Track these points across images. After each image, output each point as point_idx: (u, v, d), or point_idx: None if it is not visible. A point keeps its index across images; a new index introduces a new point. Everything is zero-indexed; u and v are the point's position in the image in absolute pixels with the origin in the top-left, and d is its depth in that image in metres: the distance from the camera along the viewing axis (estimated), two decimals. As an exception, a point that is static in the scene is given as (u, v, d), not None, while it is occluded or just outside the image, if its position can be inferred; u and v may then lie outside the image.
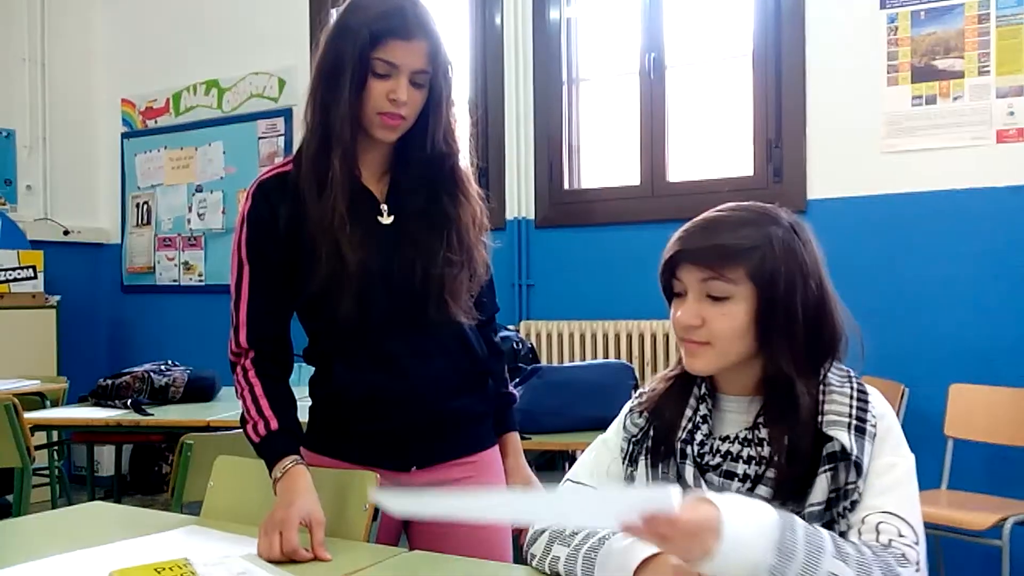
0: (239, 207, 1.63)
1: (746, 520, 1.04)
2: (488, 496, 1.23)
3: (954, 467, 3.19)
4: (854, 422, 1.18)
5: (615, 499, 1.09)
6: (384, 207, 1.62)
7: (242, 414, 1.57)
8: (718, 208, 1.28)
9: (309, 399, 1.70)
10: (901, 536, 1.13)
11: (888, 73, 3.42)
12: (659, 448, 1.30)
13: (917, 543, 1.14)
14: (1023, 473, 3.13)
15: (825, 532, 1.09)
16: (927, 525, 3.29)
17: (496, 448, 1.76)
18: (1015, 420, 3.10)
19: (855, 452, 1.16)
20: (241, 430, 1.57)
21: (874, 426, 1.19)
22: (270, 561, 1.35)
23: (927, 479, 3.20)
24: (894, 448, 1.20)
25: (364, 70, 1.51)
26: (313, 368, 1.69)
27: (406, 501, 1.21)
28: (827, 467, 1.17)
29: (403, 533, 1.71)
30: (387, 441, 1.61)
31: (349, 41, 1.51)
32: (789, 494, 1.17)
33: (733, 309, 1.21)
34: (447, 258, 1.57)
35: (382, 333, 1.59)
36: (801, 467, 1.17)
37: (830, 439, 1.17)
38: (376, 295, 1.56)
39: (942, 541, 3.17)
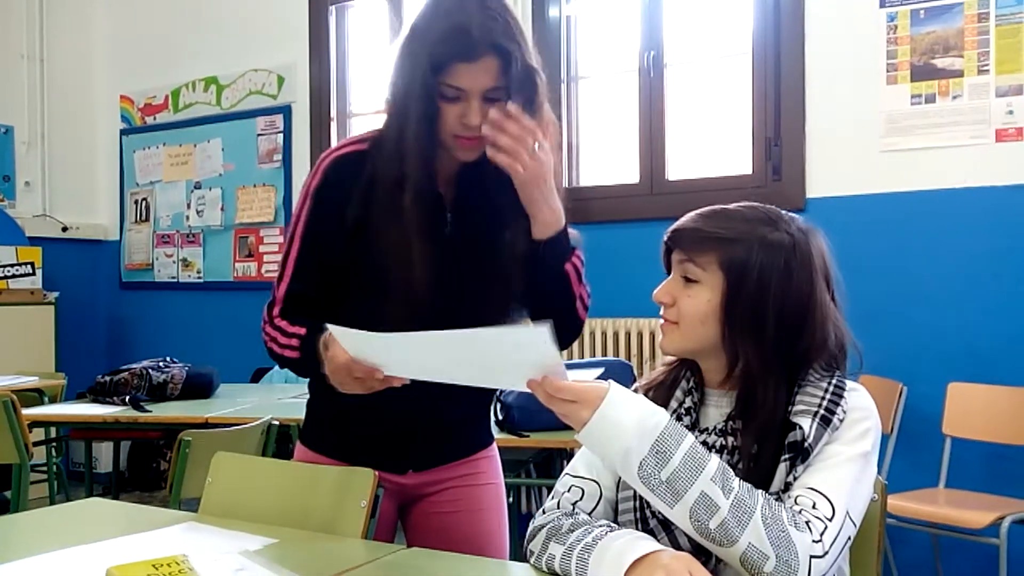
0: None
1: (629, 409, 1.15)
2: (417, 345, 1.26)
3: (952, 466, 3.19)
4: (821, 411, 1.20)
5: (506, 349, 1.21)
6: (449, 215, 1.55)
7: (285, 360, 1.52)
8: (736, 204, 1.31)
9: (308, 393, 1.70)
10: (814, 508, 1.15)
11: (887, 72, 3.42)
12: None
13: (831, 519, 1.14)
14: (1021, 472, 3.13)
15: (718, 461, 1.14)
16: (925, 523, 3.27)
17: (494, 445, 1.75)
18: (1013, 419, 3.10)
19: (811, 440, 1.18)
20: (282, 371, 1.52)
21: (841, 419, 1.21)
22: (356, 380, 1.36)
23: (925, 477, 3.20)
24: (851, 440, 1.21)
25: (431, 97, 1.42)
26: None
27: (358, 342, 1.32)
28: (787, 456, 1.19)
29: (400, 530, 1.71)
30: (385, 444, 1.61)
31: (411, 70, 1.43)
32: (757, 485, 1.18)
33: (700, 292, 1.26)
34: (491, 292, 1.51)
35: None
36: (767, 459, 1.20)
37: (794, 428, 1.19)
38: (419, 310, 1.46)
39: (940, 540, 3.18)
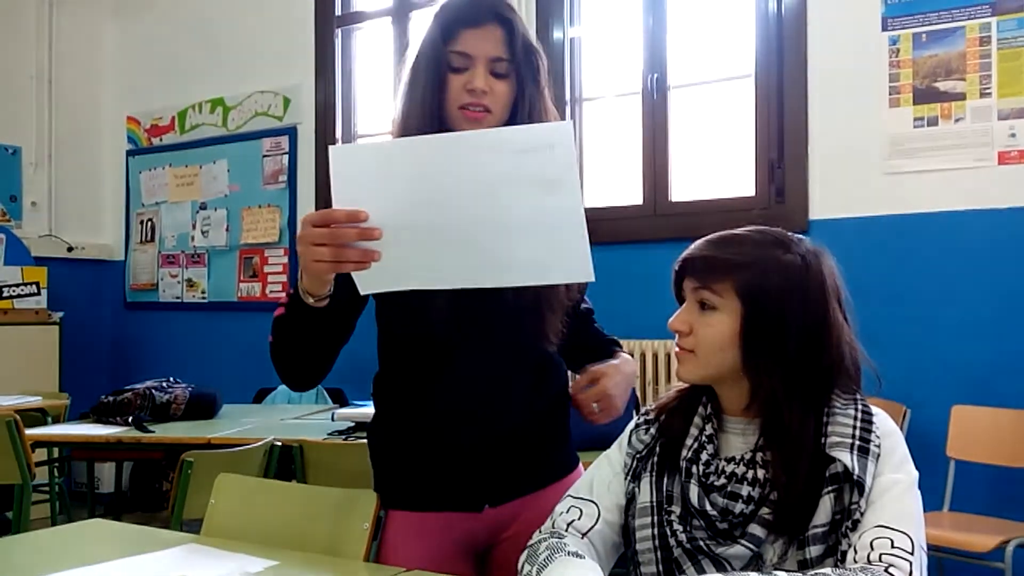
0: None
1: None
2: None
3: (956, 489, 3.18)
4: (857, 442, 1.20)
5: (519, 154, 1.19)
6: None
7: (279, 328, 1.42)
8: (742, 228, 1.31)
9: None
10: (894, 548, 1.14)
11: (890, 95, 3.43)
12: (665, 464, 1.30)
13: (911, 552, 1.14)
14: (1026, 495, 3.12)
15: None
16: (929, 547, 3.26)
17: (580, 469, 1.62)
18: (1017, 442, 3.09)
19: (857, 471, 1.17)
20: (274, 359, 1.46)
21: (878, 446, 1.21)
22: (315, 226, 1.22)
23: (929, 501, 3.16)
24: (897, 465, 1.21)
25: (441, 67, 1.46)
26: (372, 410, 1.61)
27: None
28: (830, 488, 1.18)
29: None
30: (454, 477, 1.51)
31: (426, 43, 1.49)
32: (791, 516, 1.18)
33: (717, 320, 1.25)
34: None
35: (462, 351, 1.48)
36: (802, 489, 1.18)
37: (833, 460, 1.18)
38: (464, 309, 1.44)
39: (944, 563, 3.16)
